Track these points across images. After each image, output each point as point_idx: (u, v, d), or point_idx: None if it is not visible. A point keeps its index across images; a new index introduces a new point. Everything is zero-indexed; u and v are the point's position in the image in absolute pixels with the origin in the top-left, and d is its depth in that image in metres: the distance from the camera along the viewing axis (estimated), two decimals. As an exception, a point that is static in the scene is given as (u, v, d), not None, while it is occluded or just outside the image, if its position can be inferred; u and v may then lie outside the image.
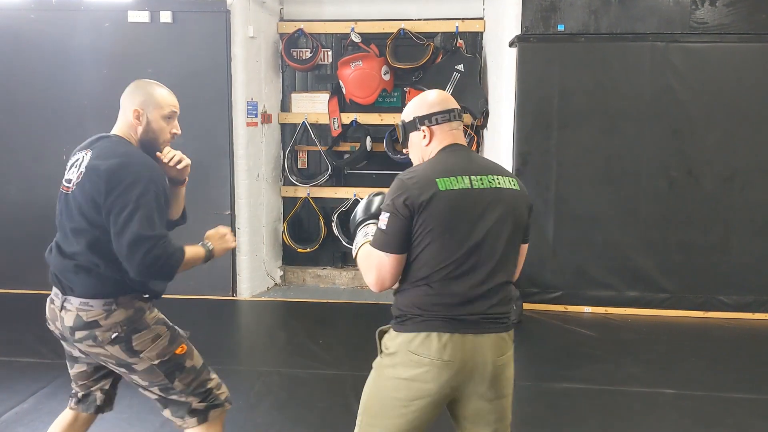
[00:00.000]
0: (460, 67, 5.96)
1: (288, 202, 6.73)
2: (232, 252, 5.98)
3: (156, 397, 2.45)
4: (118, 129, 2.47)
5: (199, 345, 4.89)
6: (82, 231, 2.29)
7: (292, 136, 6.55)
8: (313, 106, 6.55)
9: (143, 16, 5.73)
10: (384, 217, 2.06)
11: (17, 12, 5.87)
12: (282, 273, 6.75)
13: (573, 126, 5.45)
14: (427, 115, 2.20)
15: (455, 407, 2.20)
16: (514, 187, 2.16)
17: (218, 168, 5.89)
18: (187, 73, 5.74)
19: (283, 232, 6.54)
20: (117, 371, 2.43)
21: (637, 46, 5.36)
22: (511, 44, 5.44)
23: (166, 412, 2.47)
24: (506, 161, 5.55)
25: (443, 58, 6.10)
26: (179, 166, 2.52)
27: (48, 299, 2.43)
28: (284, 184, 6.69)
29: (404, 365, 2.07)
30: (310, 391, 4.03)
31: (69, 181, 2.38)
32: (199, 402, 2.45)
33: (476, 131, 6.23)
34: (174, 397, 2.42)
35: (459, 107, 2.27)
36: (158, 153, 2.47)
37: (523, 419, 3.74)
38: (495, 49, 5.95)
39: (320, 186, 6.48)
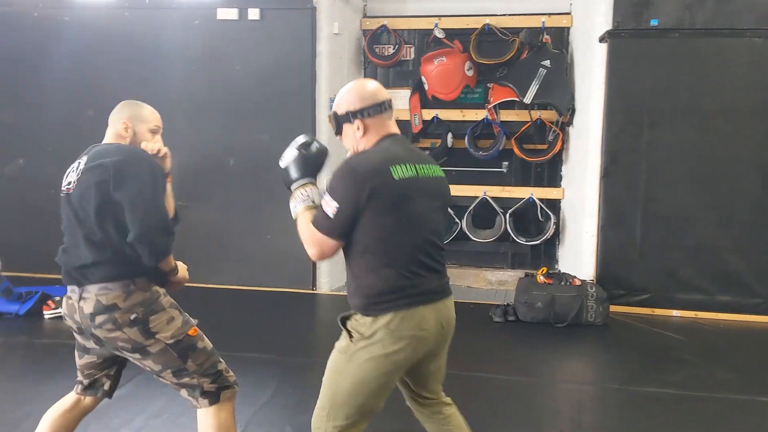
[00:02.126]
0: (546, 62, 5.85)
1: (367, 198, 6.76)
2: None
3: (170, 382, 2.55)
4: (108, 141, 2.62)
5: (281, 336, 4.98)
6: (92, 223, 2.41)
7: (373, 132, 6.57)
8: (393, 102, 6.54)
9: (232, 14, 5.85)
10: (332, 204, 2.17)
11: (112, 10, 6.09)
12: (360, 268, 6.78)
13: (665, 124, 5.30)
14: (360, 110, 2.32)
15: (416, 372, 2.37)
16: (441, 175, 2.42)
17: (302, 164, 5.95)
18: (274, 70, 5.85)
19: (362, 227, 6.57)
20: (131, 358, 2.53)
21: (734, 42, 5.18)
22: (601, 40, 5.32)
23: (183, 392, 2.57)
24: (594, 159, 5.45)
25: (528, 54, 6.01)
26: (159, 154, 2.62)
27: (65, 297, 2.55)
28: (364, 180, 6.72)
29: (382, 344, 2.18)
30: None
31: (69, 183, 2.51)
32: (210, 383, 2.54)
33: (561, 128, 6.13)
34: (186, 379, 2.52)
35: (390, 98, 2.37)
36: (142, 145, 2.60)
37: (617, 423, 3.68)
38: (583, 44, 5.83)
39: (400, 182, 6.49)
